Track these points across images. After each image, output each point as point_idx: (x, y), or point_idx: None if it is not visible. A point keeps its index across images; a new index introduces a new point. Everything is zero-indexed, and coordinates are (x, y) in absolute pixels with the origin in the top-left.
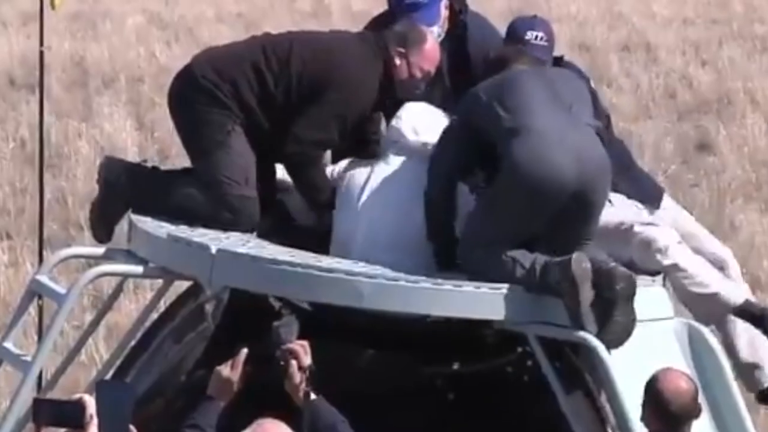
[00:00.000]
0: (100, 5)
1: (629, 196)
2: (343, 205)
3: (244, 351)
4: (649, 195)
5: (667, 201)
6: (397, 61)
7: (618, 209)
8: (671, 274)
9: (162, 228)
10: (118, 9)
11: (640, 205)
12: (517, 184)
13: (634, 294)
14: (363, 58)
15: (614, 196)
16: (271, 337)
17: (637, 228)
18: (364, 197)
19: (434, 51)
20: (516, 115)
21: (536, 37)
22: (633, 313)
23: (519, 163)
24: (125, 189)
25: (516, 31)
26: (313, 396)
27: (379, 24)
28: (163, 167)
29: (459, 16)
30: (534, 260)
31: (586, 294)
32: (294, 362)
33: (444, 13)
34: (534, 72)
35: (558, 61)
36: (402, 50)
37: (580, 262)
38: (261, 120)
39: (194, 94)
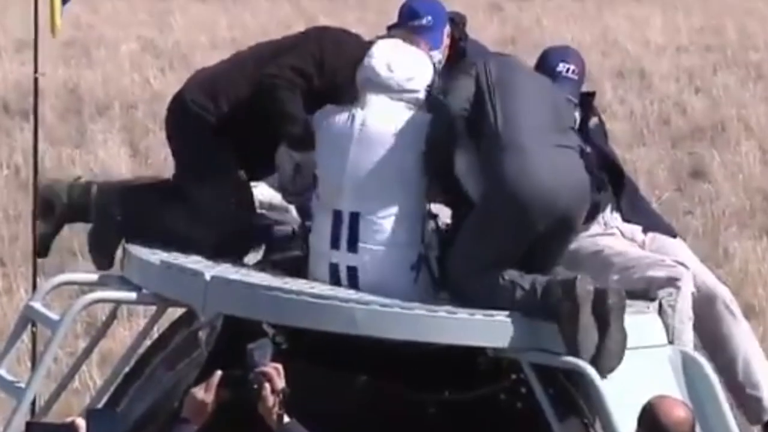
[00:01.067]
0: (94, 32)
1: (645, 229)
2: (327, 150)
3: (218, 373)
4: (665, 227)
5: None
6: None
7: (644, 246)
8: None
9: (155, 254)
10: (112, 36)
11: (663, 242)
12: (507, 202)
13: (624, 308)
14: (347, 35)
15: (627, 227)
16: (245, 359)
17: (656, 265)
18: (347, 142)
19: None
20: (510, 125)
21: (568, 69)
22: (624, 332)
23: (507, 181)
24: (118, 215)
25: (547, 62)
26: (286, 419)
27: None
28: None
29: (459, 43)
30: (534, 281)
31: (586, 317)
32: (267, 385)
33: (446, 41)
34: (540, 84)
35: (588, 97)
36: None
37: (585, 284)
38: (256, 135)
39: (186, 120)
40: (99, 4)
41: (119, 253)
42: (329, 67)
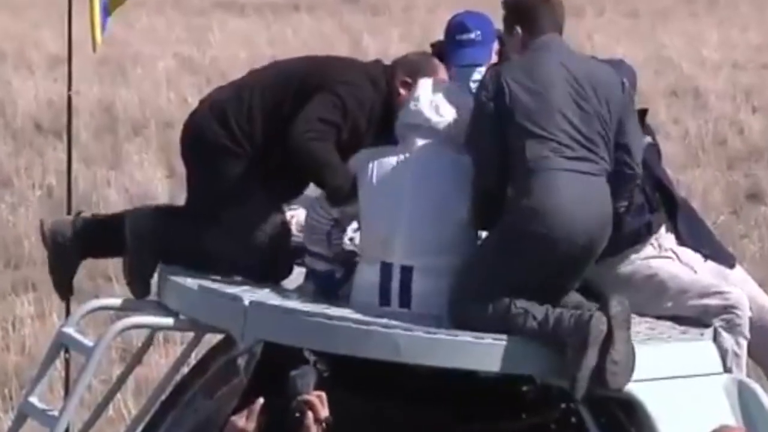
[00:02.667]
0: (129, 49)
1: (705, 257)
2: (374, 199)
3: (260, 401)
4: (724, 256)
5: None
6: (402, 91)
7: (700, 271)
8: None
9: (192, 278)
10: (148, 52)
11: (720, 268)
12: (531, 232)
13: (629, 319)
14: (363, 73)
15: (685, 252)
16: (288, 387)
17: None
18: (400, 189)
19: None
20: (544, 147)
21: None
22: (630, 344)
23: (536, 210)
24: (153, 240)
25: None
26: None
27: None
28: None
29: (509, 56)
30: (546, 312)
31: (590, 359)
32: (310, 414)
33: (494, 58)
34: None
35: (641, 114)
36: (408, 80)
37: (599, 324)
38: (274, 150)
39: (201, 146)
40: (134, 19)
41: (155, 277)
42: (351, 114)
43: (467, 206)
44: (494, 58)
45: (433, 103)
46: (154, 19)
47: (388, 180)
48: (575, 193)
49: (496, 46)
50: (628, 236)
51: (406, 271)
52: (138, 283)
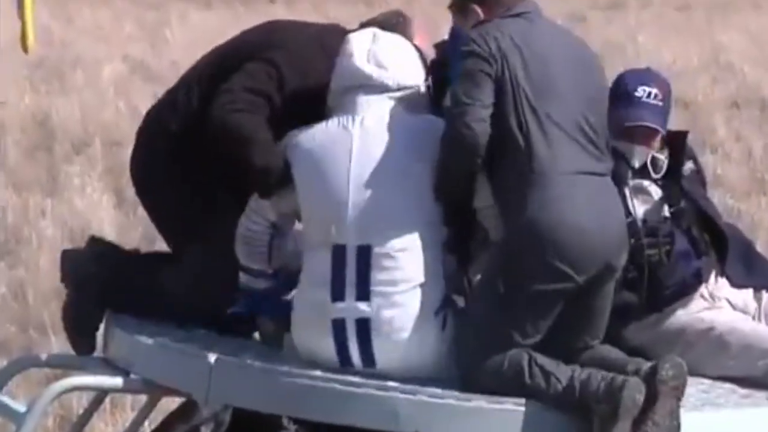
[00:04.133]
0: (70, 50)
1: (757, 288)
2: (316, 175)
3: None
4: None
5: None
6: None
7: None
8: None
9: (146, 331)
10: (92, 55)
11: None
12: (537, 253)
13: (683, 386)
14: (311, 38)
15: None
16: None
17: None
18: (345, 158)
19: (420, 43)
20: (550, 139)
21: (649, 94)
22: (677, 419)
23: (537, 224)
24: (99, 284)
25: (623, 86)
26: None
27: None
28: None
29: None
30: (572, 374)
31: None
32: None
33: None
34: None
35: (678, 139)
36: None
37: (634, 393)
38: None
39: (147, 175)
40: (74, 13)
41: (101, 329)
42: (290, 86)
43: (430, 171)
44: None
45: (372, 55)
46: (98, 12)
47: (330, 150)
48: (589, 202)
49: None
50: (672, 290)
51: (363, 252)
52: (80, 335)
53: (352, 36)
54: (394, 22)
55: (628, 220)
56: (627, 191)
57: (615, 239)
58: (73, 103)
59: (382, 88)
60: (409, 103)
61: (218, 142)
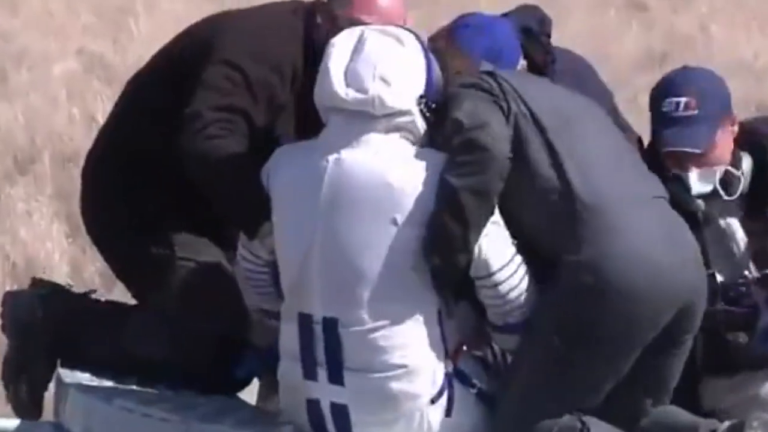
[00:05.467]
0: (13, 44)
1: None
2: (286, 221)
3: None
4: None
5: None
6: (318, 19)
7: None
8: None
9: (106, 390)
10: (39, 49)
11: None
12: (596, 304)
13: None
14: (269, 19)
15: None
16: None
17: None
18: (313, 202)
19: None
20: (588, 180)
21: (677, 106)
22: None
23: (596, 269)
24: (48, 334)
25: (652, 100)
26: None
27: None
28: (106, 295)
29: (545, 71)
30: None
31: None
32: None
33: (521, 63)
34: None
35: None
36: (337, 12)
37: None
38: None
39: (106, 211)
40: (19, 1)
41: (51, 388)
42: (260, 85)
43: (422, 222)
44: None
45: (351, 73)
46: (48, 0)
47: (300, 192)
48: (656, 229)
49: (520, 60)
50: (753, 363)
51: (331, 327)
52: (24, 397)
53: (334, 42)
54: None
55: (708, 273)
56: (701, 233)
57: (693, 275)
58: (15, 109)
59: (362, 115)
60: (399, 133)
61: (194, 176)
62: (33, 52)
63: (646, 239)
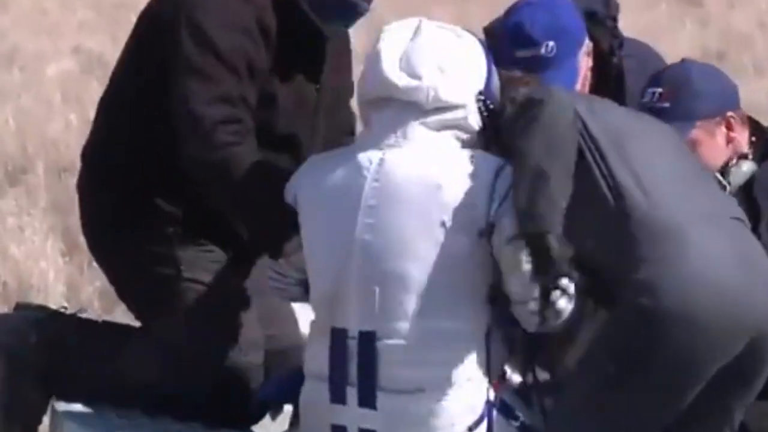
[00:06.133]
0: (2, 43)
1: None
2: (318, 235)
3: None
4: None
5: None
6: None
7: None
8: None
9: (106, 424)
10: (32, 48)
11: None
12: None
13: None
14: None
15: None
16: None
17: None
18: (352, 211)
19: None
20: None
21: (653, 96)
22: None
23: (669, 302)
24: (41, 362)
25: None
26: None
27: None
28: (105, 317)
29: (612, 57)
30: None
31: None
32: None
33: (585, 63)
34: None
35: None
36: None
37: None
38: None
39: (102, 223)
40: None
41: (45, 421)
42: (238, 59)
43: (473, 231)
44: (583, 69)
45: (406, 58)
46: None
47: (335, 201)
48: (726, 250)
49: (585, 46)
50: None
51: (367, 342)
52: (19, 430)
53: (388, 29)
54: None
55: None
56: None
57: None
58: (6, 113)
59: (413, 107)
60: (450, 131)
61: (210, 191)
62: (25, 51)
63: (712, 260)
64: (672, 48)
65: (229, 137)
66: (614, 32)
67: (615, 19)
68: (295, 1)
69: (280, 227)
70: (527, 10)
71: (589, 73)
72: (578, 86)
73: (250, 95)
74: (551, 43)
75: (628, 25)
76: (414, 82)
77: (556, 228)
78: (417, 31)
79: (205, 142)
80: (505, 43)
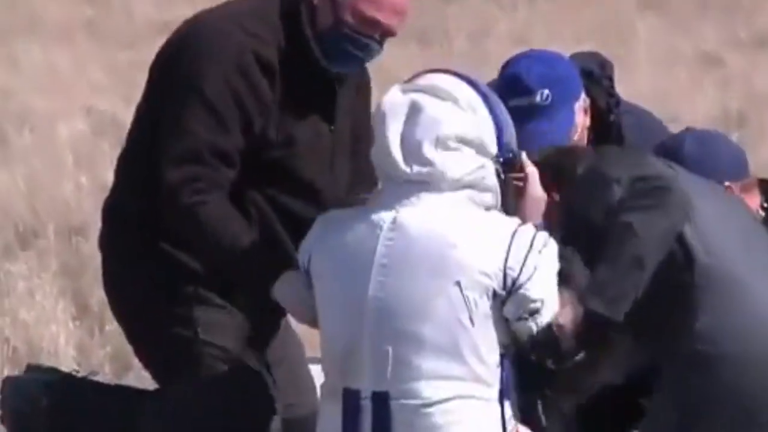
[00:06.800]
0: (13, 103)
1: None
2: (330, 293)
3: None
4: None
5: None
6: (315, 1)
7: None
8: None
9: None
10: (43, 108)
11: None
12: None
13: None
14: (221, 19)
15: None
16: None
17: None
18: (365, 271)
19: None
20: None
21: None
22: None
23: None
24: (51, 423)
25: None
26: None
27: None
28: (117, 381)
29: (610, 115)
30: None
31: None
32: None
33: (582, 119)
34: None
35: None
36: None
37: None
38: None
39: (122, 278)
40: (21, 53)
41: None
42: (237, 101)
43: (489, 292)
44: (580, 121)
45: (406, 143)
46: (53, 52)
47: (348, 257)
48: None
49: (581, 100)
50: None
51: (381, 403)
52: None
53: (384, 109)
54: None
55: None
56: None
57: None
58: (16, 175)
59: (422, 187)
60: (465, 191)
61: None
62: (36, 111)
63: None
64: (691, 110)
65: (192, 198)
66: (610, 91)
67: (611, 79)
68: (304, 40)
69: (255, 273)
70: (524, 61)
71: (586, 132)
72: (575, 140)
73: (235, 142)
74: (546, 92)
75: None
76: (425, 169)
77: (619, 318)
78: (413, 109)
79: (170, 205)
80: (500, 94)
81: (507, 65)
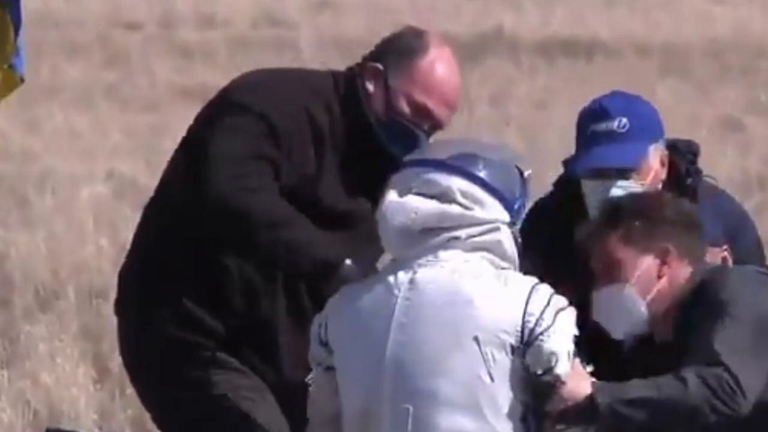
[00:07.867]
0: (35, 166)
1: None
2: (350, 352)
3: None
4: None
5: None
6: (369, 86)
7: None
8: None
9: None
10: (64, 171)
11: None
12: None
13: None
14: (292, 80)
15: None
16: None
17: None
18: (383, 334)
19: (438, 74)
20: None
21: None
22: None
23: None
24: None
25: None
26: None
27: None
28: None
29: (686, 179)
30: None
31: None
32: None
33: (657, 167)
34: None
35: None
36: (378, 66)
37: None
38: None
39: (141, 346)
40: (42, 117)
41: None
42: (283, 137)
43: (508, 354)
44: (652, 164)
45: (412, 214)
46: (74, 116)
47: (367, 320)
48: None
49: (659, 148)
50: None
51: None
52: None
53: (394, 182)
54: (406, 40)
55: None
56: None
57: None
58: (37, 237)
59: (439, 244)
60: (480, 253)
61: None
62: (57, 174)
63: None
64: (713, 174)
65: (243, 190)
66: (692, 161)
67: (695, 155)
68: (365, 123)
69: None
70: (611, 94)
71: (660, 186)
72: (647, 184)
73: (275, 157)
74: (624, 120)
75: None
76: (432, 236)
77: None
78: (414, 186)
79: (221, 201)
80: (582, 122)
81: (596, 99)
